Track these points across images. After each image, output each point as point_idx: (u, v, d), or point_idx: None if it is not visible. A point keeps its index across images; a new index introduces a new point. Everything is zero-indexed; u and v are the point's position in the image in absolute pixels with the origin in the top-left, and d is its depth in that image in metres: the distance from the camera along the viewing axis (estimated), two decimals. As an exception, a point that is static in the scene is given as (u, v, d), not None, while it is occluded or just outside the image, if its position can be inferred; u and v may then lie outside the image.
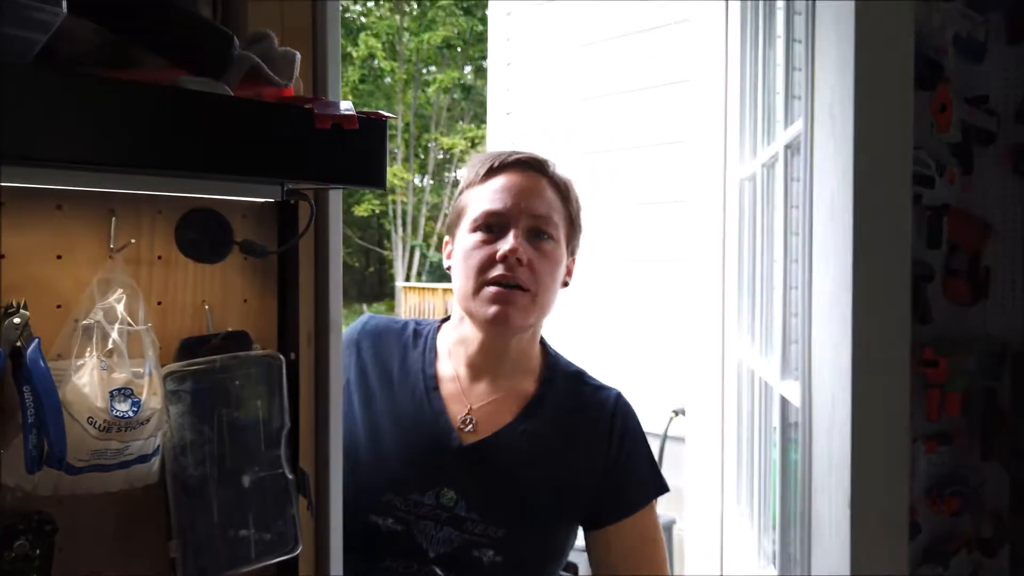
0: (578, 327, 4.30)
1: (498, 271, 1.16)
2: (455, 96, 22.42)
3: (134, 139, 0.67)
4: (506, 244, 1.15)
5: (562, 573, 1.26)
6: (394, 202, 21.00)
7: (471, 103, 22.46)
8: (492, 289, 1.16)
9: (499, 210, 1.18)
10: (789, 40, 1.93)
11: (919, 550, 1.39)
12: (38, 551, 0.78)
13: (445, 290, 14.85)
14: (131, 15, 0.68)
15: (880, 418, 1.07)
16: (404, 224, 21.37)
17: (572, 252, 1.27)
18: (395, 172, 19.49)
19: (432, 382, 1.24)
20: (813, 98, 1.26)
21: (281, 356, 0.92)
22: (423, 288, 15.73)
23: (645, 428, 1.31)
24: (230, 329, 0.90)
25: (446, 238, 1.29)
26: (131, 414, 0.76)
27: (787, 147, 1.87)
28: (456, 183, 23.22)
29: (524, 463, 1.18)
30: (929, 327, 1.39)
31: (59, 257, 0.79)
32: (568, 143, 4.69)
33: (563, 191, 1.25)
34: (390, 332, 1.30)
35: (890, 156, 1.08)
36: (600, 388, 1.28)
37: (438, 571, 1.11)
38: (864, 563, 1.05)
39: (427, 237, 22.24)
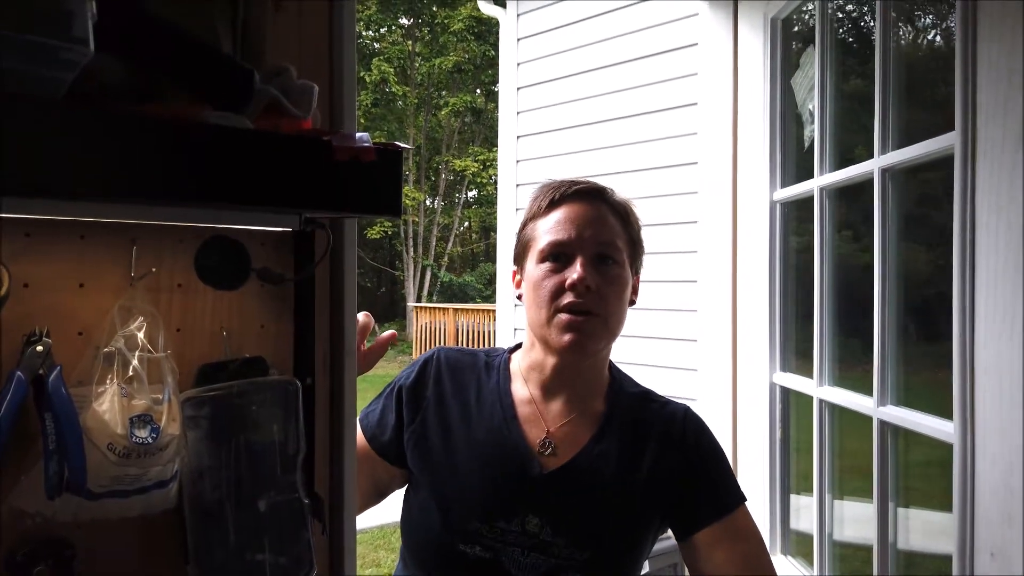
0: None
1: (568, 298, 1.20)
2: (466, 119, 22.58)
3: (158, 172, 0.68)
4: (574, 273, 1.19)
5: None
6: (405, 223, 21.09)
7: (481, 126, 22.61)
8: (565, 316, 1.20)
9: (564, 240, 1.23)
10: (887, 68, 1.88)
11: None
12: (57, 576, 0.79)
13: (456, 310, 14.87)
14: (156, 52, 0.70)
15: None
16: (415, 245, 21.44)
17: (636, 271, 1.31)
18: (407, 192, 19.61)
19: (510, 411, 1.27)
20: (975, 113, 1.23)
21: (297, 382, 0.93)
22: (434, 308, 15.74)
23: None
24: (247, 355, 0.91)
25: (514, 268, 1.33)
26: (150, 440, 0.77)
27: (884, 170, 1.85)
28: (467, 204, 23.31)
29: (603, 484, 1.21)
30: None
31: (81, 285, 0.81)
32: (579, 166, 4.71)
33: (623, 215, 1.29)
34: (463, 364, 1.34)
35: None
36: (668, 403, 1.32)
37: None
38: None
39: (438, 257, 22.31)
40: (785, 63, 2.60)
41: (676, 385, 4.30)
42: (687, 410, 1.31)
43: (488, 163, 20.55)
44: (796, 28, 2.60)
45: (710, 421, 2.76)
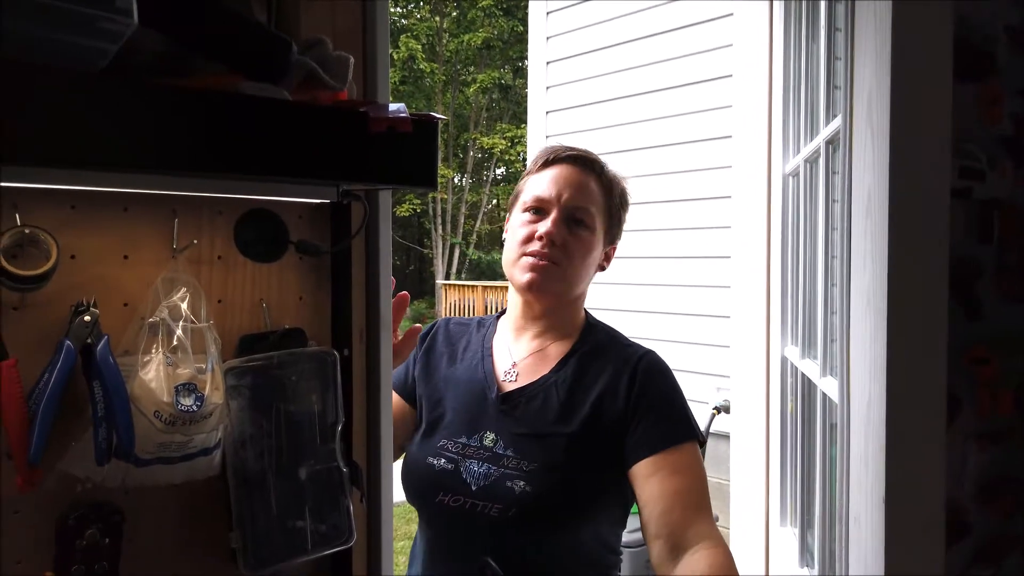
0: (620, 324, 4.29)
1: (535, 247, 1.35)
2: (494, 96, 22.46)
3: (198, 144, 0.69)
4: (544, 226, 1.34)
5: None
6: (434, 201, 21.11)
7: (509, 103, 22.49)
8: (528, 260, 1.35)
9: (544, 196, 1.37)
10: (831, 33, 1.90)
11: (970, 551, 1.37)
12: (107, 539, 0.82)
13: (484, 287, 14.88)
14: (195, 24, 0.71)
15: (915, 417, 1.06)
16: (444, 223, 21.46)
17: (611, 241, 1.44)
18: (435, 171, 19.52)
19: (488, 350, 1.44)
20: (852, 91, 1.25)
21: (335, 352, 0.94)
22: (463, 285, 15.77)
23: None
24: (287, 326, 0.93)
25: (507, 215, 1.48)
26: (195, 408, 0.79)
27: (828, 142, 1.85)
28: (495, 181, 23.28)
29: (549, 406, 1.32)
30: (980, 324, 1.37)
31: (126, 257, 0.83)
32: (610, 141, 4.67)
33: (607, 187, 1.41)
34: (462, 324, 1.55)
35: (928, 148, 1.07)
36: (630, 345, 1.40)
37: (478, 503, 1.26)
38: (897, 563, 1.04)
39: (466, 235, 22.31)
40: (797, 31, 2.55)
41: (708, 361, 4.28)
42: (647, 352, 1.38)
43: (516, 140, 20.46)
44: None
45: (742, 398, 2.76)
